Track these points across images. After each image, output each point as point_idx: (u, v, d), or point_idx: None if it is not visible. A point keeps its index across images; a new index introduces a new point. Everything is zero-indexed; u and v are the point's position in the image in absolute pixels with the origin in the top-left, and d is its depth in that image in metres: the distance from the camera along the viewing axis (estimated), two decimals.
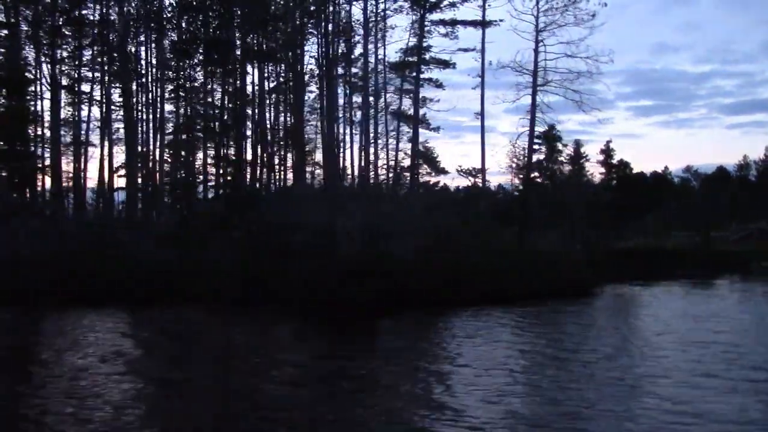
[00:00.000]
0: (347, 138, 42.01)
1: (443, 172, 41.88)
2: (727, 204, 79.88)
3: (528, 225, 38.97)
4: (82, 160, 38.45)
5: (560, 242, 38.88)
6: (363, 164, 35.84)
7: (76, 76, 40.94)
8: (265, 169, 34.37)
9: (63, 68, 41.27)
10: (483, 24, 43.01)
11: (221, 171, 35.55)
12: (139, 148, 39.25)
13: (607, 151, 50.16)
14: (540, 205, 39.50)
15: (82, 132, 39.18)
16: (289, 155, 39.85)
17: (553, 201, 39.85)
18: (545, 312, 24.36)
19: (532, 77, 41.16)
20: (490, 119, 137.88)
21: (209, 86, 42.16)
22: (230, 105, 34.40)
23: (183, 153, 36.93)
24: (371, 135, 39.39)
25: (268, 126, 40.03)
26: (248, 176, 35.29)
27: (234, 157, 33.61)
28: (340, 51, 42.25)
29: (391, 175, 40.79)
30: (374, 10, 41.22)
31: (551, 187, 41.22)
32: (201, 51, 41.20)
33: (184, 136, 39.65)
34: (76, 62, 41.23)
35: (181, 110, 41.44)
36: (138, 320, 22.80)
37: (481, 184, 42.78)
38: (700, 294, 32.68)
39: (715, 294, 32.31)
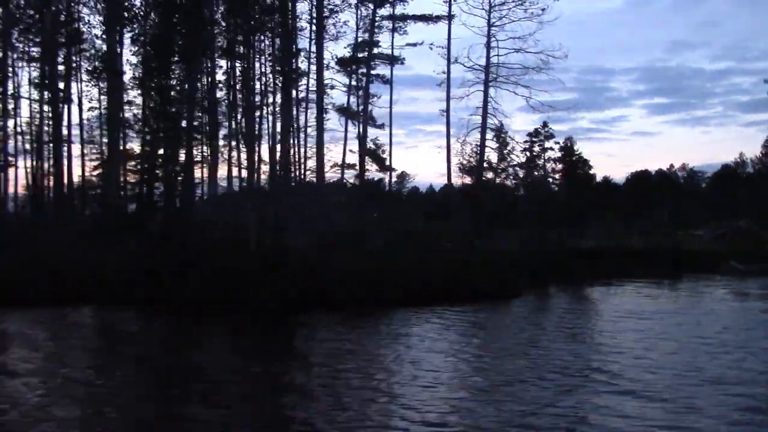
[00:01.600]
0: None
1: (390, 169, 41.29)
2: (727, 202, 78.50)
3: (477, 224, 38.24)
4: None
5: (509, 242, 37.98)
6: (282, 159, 35.15)
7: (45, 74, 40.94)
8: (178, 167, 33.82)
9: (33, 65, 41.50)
10: (449, 18, 42.45)
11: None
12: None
13: (568, 149, 48.86)
14: (490, 203, 38.69)
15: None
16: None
17: (503, 200, 38.94)
18: (441, 315, 23.49)
19: (485, 73, 40.52)
20: (504, 117, 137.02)
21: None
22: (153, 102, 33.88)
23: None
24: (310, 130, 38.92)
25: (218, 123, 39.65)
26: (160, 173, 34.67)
27: (148, 154, 33.20)
28: (291, 47, 41.77)
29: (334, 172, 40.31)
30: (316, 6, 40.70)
31: (502, 185, 40.25)
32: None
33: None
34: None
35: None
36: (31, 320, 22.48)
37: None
38: (636, 294, 31.58)
39: (653, 293, 31.22)
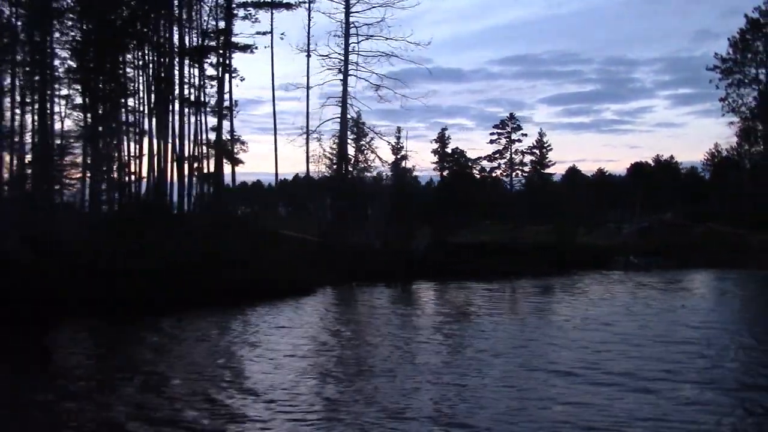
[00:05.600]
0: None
1: (239, 162, 39.77)
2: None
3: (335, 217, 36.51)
4: None
5: (369, 236, 36.02)
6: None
7: None
8: None
9: None
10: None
11: None
12: None
13: (442, 140, 46.19)
14: (346, 196, 36.82)
15: None
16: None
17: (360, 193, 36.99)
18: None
19: (344, 61, 38.56)
20: (526, 110, 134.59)
21: None
22: None
23: None
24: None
25: None
26: None
27: None
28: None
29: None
30: None
31: (360, 178, 38.19)
32: None
33: None
34: None
35: None
36: None
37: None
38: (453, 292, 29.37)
39: (475, 292, 28.92)
